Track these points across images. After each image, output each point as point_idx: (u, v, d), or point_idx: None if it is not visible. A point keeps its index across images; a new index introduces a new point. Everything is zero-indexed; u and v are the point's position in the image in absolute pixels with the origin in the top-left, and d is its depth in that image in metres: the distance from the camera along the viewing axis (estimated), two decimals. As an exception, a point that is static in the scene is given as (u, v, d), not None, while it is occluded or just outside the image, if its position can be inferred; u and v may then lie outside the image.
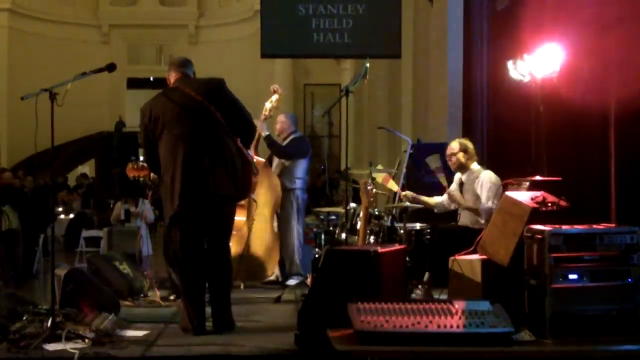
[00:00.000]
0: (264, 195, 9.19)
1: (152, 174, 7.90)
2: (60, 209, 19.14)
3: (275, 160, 9.71)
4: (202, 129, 6.47)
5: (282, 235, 9.54)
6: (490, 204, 7.56)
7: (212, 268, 6.56)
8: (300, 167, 9.71)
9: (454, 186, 8.22)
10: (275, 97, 9.56)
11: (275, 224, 9.55)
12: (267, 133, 9.44)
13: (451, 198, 7.99)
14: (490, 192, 7.65)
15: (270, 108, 9.52)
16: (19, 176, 15.53)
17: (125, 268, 8.59)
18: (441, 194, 8.41)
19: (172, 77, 6.80)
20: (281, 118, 10.01)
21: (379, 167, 9.39)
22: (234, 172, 6.51)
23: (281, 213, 9.56)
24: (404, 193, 8.30)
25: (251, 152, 8.94)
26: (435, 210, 8.37)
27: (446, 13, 11.68)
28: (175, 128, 6.47)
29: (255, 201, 8.97)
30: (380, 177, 8.89)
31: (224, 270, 6.63)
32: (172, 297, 8.17)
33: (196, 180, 6.37)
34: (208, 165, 6.39)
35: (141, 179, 8.12)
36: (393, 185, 9.00)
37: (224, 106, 6.58)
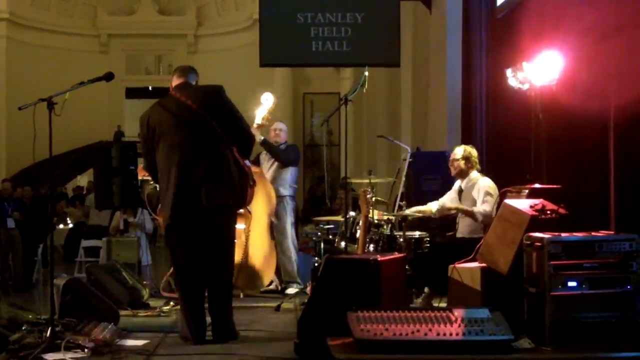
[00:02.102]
0: (260, 205, 9.20)
1: None
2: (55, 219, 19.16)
3: (270, 168, 9.74)
4: (197, 138, 6.44)
5: (278, 242, 9.57)
6: (486, 206, 7.57)
7: (211, 278, 6.53)
8: (293, 174, 9.83)
9: (453, 195, 8.21)
10: (268, 105, 9.58)
11: (272, 232, 9.56)
12: (262, 138, 9.47)
13: (444, 209, 7.96)
14: (486, 196, 7.67)
15: (264, 117, 9.54)
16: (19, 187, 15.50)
17: (124, 278, 8.59)
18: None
19: (173, 83, 6.75)
20: (282, 126, 10.05)
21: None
22: (230, 182, 6.48)
23: (277, 221, 9.59)
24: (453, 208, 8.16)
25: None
26: (437, 215, 8.27)
27: (445, 21, 11.69)
28: (170, 137, 6.46)
29: (249, 212, 8.98)
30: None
31: (223, 280, 6.60)
32: (171, 304, 8.16)
33: (189, 190, 6.36)
34: (202, 175, 6.36)
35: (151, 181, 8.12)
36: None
37: (221, 115, 6.53)
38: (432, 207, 8.26)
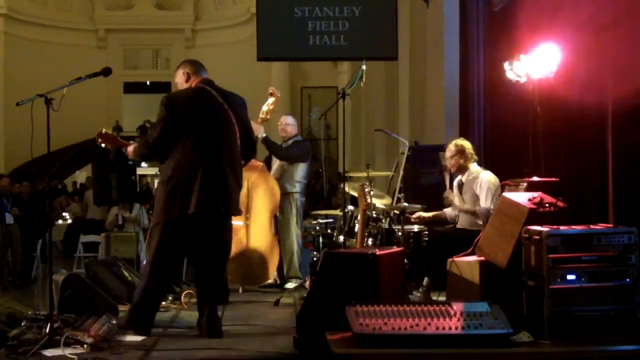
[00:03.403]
0: (262, 200, 9.19)
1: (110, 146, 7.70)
2: (66, 215, 19.25)
3: (276, 164, 9.70)
4: (233, 144, 6.55)
5: (281, 238, 9.53)
6: (488, 205, 7.56)
7: (210, 280, 6.58)
8: (301, 171, 9.68)
9: (454, 191, 8.20)
10: (272, 99, 9.53)
11: (274, 227, 9.53)
12: (264, 135, 9.41)
13: (446, 200, 7.98)
14: (488, 193, 7.64)
15: (267, 111, 9.49)
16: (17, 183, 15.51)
17: (123, 273, 8.59)
18: (437, 194, 8.40)
19: (195, 79, 6.69)
20: (290, 120, 9.98)
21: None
22: (239, 191, 6.70)
23: (281, 217, 9.55)
24: (414, 216, 8.25)
25: None
26: (449, 220, 8.30)
27: (442, 14, 11.69)
28: (208, 133, 6.42)
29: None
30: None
31: (221, 282, 6.70)
32: (169, 299, 8.15)
33: (216, 193, 6.38)
34: (232, 182, 6.49)
35: (108, 147, 7.86)
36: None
37: (242, 125, 6.65)
38: (447, 212, 8.28)
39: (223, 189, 6.42)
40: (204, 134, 6.41)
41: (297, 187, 9.66)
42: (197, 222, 6.40)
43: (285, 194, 9.50)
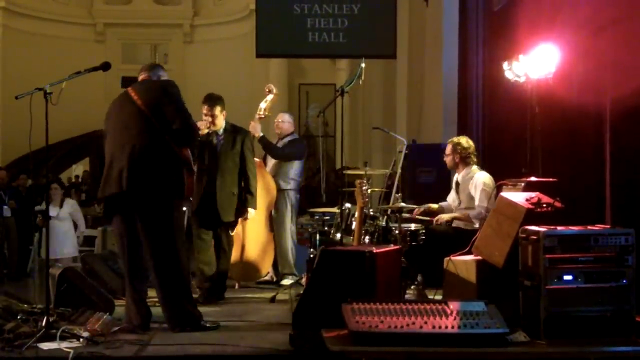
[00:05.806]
0: (258, 196, 9.19)
1: None
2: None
3: (271, 161, 9.69)
4: (129, 128, 6.56)
5: (276, 235, 9.54)
6: (483, 205, 7.57)
7: (153, 266, 6.61)
8: (296, 168, 9.70)
9: (451, 193, 8.20)
10: (270, 97, 9.53)
11: (270, 224, 9.54)
12: (262, 134, 9.41)
13: (439, 221, 7.96)
14: (482, 193, 7.65)
15: (265, 108, 9.50)
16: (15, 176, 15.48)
17: (119, 267, 8.58)
18: (434, 193, 8.39)
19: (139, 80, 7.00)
20: (286, 118, 9.97)
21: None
22: (158, 170, 6.51)
23: (276, 213, 9.55)
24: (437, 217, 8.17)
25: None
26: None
27: (441, 13, 11.69)
28: (110, 128, 6.70)
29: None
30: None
31: (162, 267, 6.59)
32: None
33: (114, 177, 6.48)
34: (127, 162, 6.44)
35: None
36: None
37: (158, 107, 6.59)
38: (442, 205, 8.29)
39: (119, 170, 6.47)
40: (109, 130, 6.73)
41: (292, 184, 9.67)
42: (115, 209, 6.62)
43: (279, 191, 9.51)
